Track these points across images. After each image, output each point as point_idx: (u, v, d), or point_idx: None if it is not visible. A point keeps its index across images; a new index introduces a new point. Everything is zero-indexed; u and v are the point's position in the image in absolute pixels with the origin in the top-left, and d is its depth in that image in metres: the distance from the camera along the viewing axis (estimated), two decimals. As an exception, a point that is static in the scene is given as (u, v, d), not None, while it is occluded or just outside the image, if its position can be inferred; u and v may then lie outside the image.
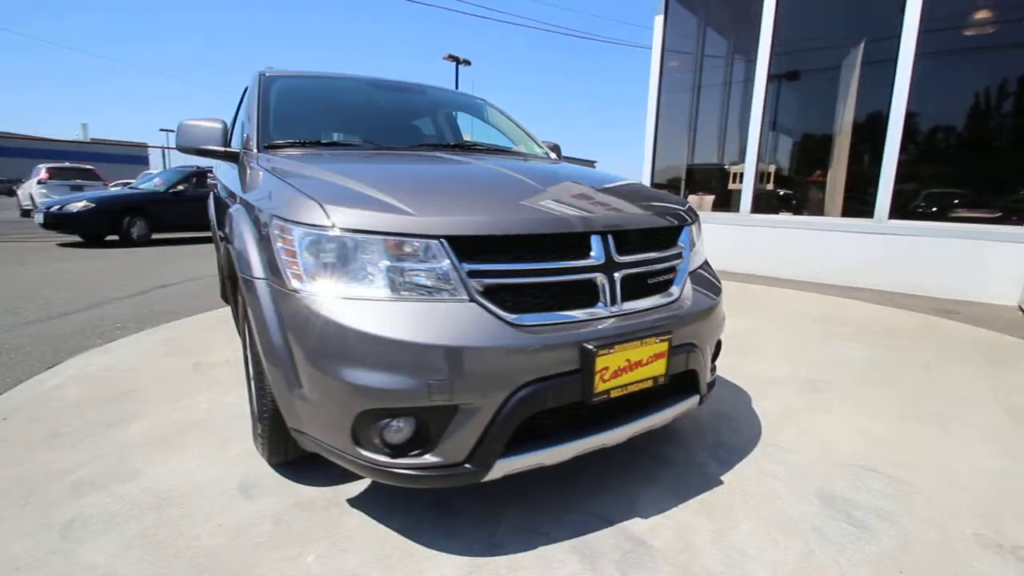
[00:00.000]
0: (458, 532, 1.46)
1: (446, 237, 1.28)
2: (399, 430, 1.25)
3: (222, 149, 2.13)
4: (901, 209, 5.16)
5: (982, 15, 5.01)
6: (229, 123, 3.88)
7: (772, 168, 6.08)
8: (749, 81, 5.99)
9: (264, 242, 1.43)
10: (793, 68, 5.93)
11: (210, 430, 2.03)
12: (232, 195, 2.13)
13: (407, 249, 1.27)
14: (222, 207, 2.59)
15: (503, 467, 1.30)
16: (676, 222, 1.73)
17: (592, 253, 1.44)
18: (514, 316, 1.30)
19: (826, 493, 1.69)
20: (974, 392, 2.57)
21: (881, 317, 4.13)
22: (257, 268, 1.42)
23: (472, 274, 1.29)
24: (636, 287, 1.53)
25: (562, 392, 1.32)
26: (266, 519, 1.50)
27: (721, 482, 1.74)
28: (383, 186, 1.44)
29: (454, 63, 22.27)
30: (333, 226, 1.28)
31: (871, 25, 5.59)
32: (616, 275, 1.46)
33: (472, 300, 1.28)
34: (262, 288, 1.39)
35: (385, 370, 1.20)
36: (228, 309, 3.96)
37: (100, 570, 1.29)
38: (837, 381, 2.67)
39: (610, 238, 1.47)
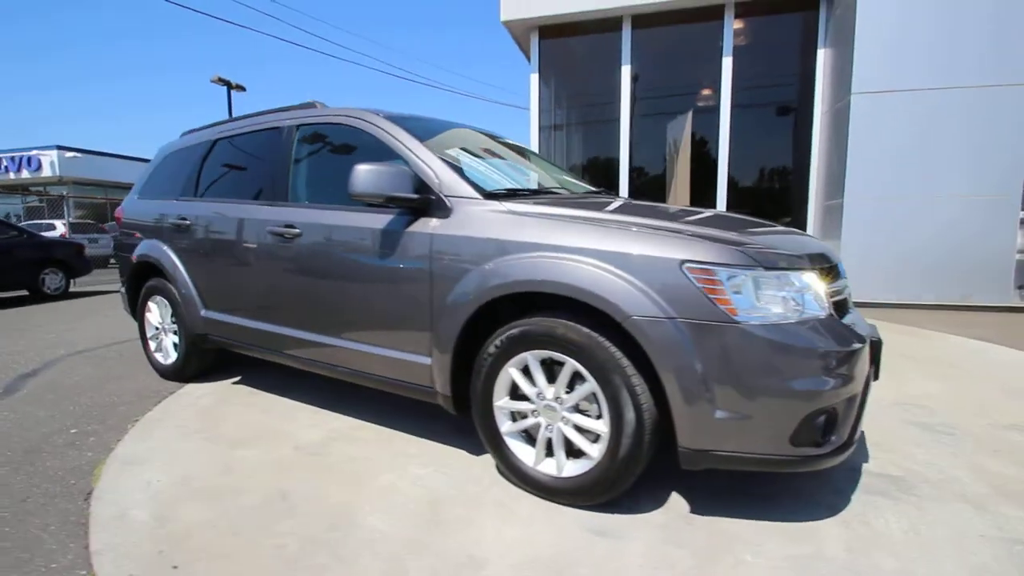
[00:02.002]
0: (796, 508, 1.80)
1: (818, 269, 1.67)
2: (825, 423, 1.58)
3: (417, 197, 1.98)
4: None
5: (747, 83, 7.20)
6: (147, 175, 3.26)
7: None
8: (611, 122, 7.32)
9: (659, 284, 1.56)
10: (649, 112, 7.49)
11: (465, 503, 1.86)
12: (432, 253, 1.98)
13: (803, 280, 1.62)
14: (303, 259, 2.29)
15: (855, 438, 1.73)
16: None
17: (841, 274, 1.98)
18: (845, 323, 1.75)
19: (913, 421, 2.53)
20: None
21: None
22: (661, 308, 1.54)
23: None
24: (845, 296, 2.13)
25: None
26: (667, 544, 1.60)
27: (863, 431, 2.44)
28: (733, 231, 1.73)
29: (225, 87, 18.78)
30: (757, 265, 1.54)
31: (699, 85, 7.41)
32: (847, 287, 2.04)
33: (830, 315, 1.68)
34: (677, 326, 1.53)
35: (825, 375, 1.53)
36: (199, 387, 3.19)
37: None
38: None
39: (842, 263, 2.04)
